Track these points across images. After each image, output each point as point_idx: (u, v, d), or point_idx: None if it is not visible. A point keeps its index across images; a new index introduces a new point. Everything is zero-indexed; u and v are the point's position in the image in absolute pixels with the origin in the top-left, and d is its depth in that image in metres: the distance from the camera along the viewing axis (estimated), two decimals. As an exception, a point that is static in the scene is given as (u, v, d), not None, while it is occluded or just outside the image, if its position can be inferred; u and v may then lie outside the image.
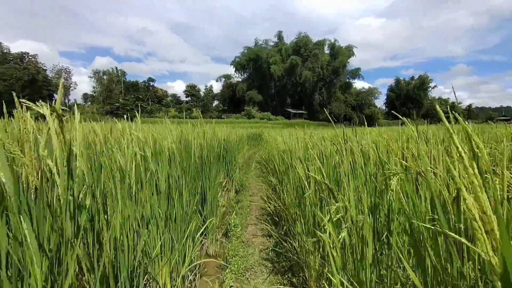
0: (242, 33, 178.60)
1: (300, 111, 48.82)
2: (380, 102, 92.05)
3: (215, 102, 67.29)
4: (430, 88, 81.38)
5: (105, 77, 64.25)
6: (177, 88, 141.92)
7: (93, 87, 62.10)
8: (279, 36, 53.87)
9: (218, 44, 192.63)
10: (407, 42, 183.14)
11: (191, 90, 72.75)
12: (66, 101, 68.46)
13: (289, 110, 47.98)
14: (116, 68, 66.81)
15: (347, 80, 55.23)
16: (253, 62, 49.89)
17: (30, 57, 57.42)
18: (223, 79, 57.66)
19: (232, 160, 4.87)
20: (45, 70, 59.64)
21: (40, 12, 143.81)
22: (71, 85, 70.27)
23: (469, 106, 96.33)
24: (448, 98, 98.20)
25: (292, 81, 47.47)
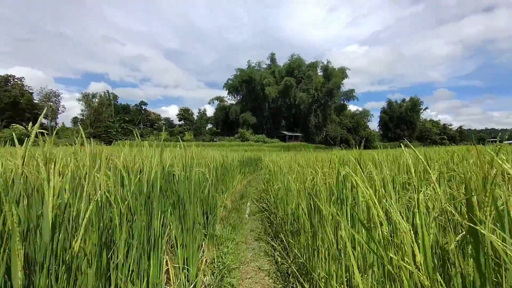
0: (234, 59, 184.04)
1: (296, 134, 47.27)
2: (372, 125, 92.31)
3: (209, 126, 65.79)
4: (422, 110, 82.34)
5: (94, 100, 62.65)
6: (172, 112, 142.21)
7: (81, 110, 60.15)
8: (272, 58, 53.93)
9: (211, 69, 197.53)
10: (390, 68, 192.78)
11: (184, 114, 71.55)
12: (53, 124, 65.97)
13: (284, 132, 46.39)
14: (108, 91, 65.50)
15: (342, 102, 54.73)
16: (246, 84, 49.11)
17: (16, 79, 55.69)
18: (215, 102, 56.51)
19: (211, 205, 2.64)
20: (32, 93, 57.75)
21: (36, 38, 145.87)
22: (59, 108, 68.26)
23: (460, 127, 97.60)
24: (439, 120, 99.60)
25: (286, 103, 46.48)
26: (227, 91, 52.81)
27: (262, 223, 3.49)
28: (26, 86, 57.04)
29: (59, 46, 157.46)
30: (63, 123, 68.06)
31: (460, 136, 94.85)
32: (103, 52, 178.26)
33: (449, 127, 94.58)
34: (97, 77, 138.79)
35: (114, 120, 36.71)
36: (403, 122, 79.64)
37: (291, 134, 46.36)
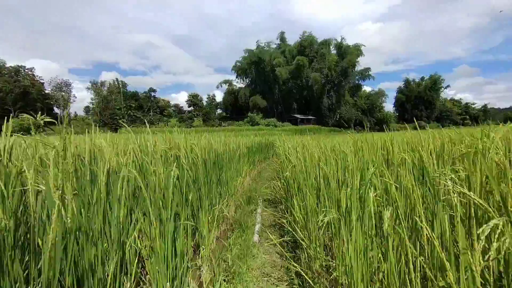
0: (244, 43, 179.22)
1: (308, 117, 45.23)
2: (387, 106, 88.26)
3: (219, 111, 64.51)
4: (443, 89, 77.28)
5: (104, 89, 62.42)
6: (181, 99, 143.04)
7: (91, 99, 60.16)
8: (282, 37, 50.85)
9: (220, 55, 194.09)
10: (407, 46, 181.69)
11: (194, 100, 70.55)
12: (65, 113, 66.77)
13: (296, 115, 44.44)
14: (117, 79, 64.97)
15: (357, 82, 51.59)
16: (255, 66, 46.81)
17: (26, 70, 55.87)
18: (224, 86, 54.77)
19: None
20: (43, 83, 57.99)
21: (50, 32, 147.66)
22: (70, 98, 68.84)
23: (484, 106, 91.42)
24: (461, 99, 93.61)
25: (298, 84, 44.08)
26: (236, 74, 50.84)
27: (282, 258, 2.23)
28: (37, 76, 57.25)
29: (72, 38, 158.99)
30: (75, 112, 68.85)
31: (484, 116, 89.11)
32: (113, 42, 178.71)
33: (472, 106, 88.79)
34: (108, 66, 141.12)
35: (121, 107, 35.99)
36: (421, 102, 75.31)
37: (303, 117, 44.40)
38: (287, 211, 2.80)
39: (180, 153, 2.16)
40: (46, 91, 59.04)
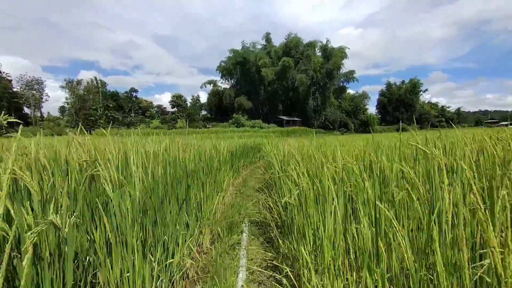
0: (228, 44, 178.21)
1: (294, 118, 44.84)
2: (369, 108, 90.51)
3: (203, 112, 62.73)
4: (421, 92, 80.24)
5: (80, 87, 58.87)
6: (165, 100, 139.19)
7: (66, 98, 56.39)
8: (267, 38, 50.21)
9: (204, 55, 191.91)
10: (385, 52, 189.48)
11: (177, 100, 68.33)
12: (37, 113, 62.40)
13: (281, 117, 43.86)
14: (95, 77, 61.50)
15: (341, 84, 51.96)
16: (240, 66, 45.81)
17: (-10, 66, 51.50)
18: (208, 86, 53.30)
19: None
20: (10, 80, 53.73)
21: (22, 27, 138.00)
22: (42, 97, 64.44)
23: (458, 109, 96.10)
24: (437, 102, 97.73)
25: (283, 85, 43.56)
26: (220, 74, 49.53)
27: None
28: (3, 73, 52.88)
29: (46, 34, 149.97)
30: (48, 112, 64.42)
31: (458, 119, 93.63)
32: (92, 39, 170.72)
33: (447, 109, 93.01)
34: (87, 65, 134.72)
35: (97, 107, 33.60)
36: (402, 105, 77.73)
37: (288, 118, 43.93)
38: (284, 246, 1.88)
39: (101, 168, 1.18)
40: (14, 89, 54.74)
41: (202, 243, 2.23)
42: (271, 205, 2.76)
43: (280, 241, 1.99)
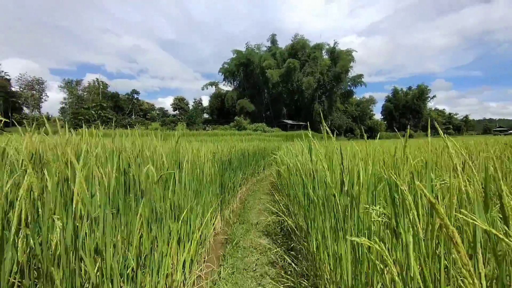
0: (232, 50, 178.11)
1: (299, 123, 42.72)
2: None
3: (205, 115, 61.08)
4: (429, 98, 78.18)
5: (78, 88, 57.58)
6: (168, 103, 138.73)
7: (64, 99, 54.96)
8: (273, 39, 48.43)
9: (208, 61, 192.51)
10: (389, 59, 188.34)
11: (179, 103, 66.94)
12: (36, 113, 61.06)
13: (285, 121, 41.74)
14: (97, 79, 60.38)
15: (348, 88, 49.88)
16: (243, 68, 43.96)
17: (-12, 65, 50.41)
18: (210, 88, 51.54)
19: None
20: (8, 80, 52.52)
21: (32, 30, 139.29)
22: (42, 97, 63.26)
23: (466, 117, 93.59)
24: (444, 109, 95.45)
25: (288, 88, 41.54)
26: (223, 76, 47.75)
27: None
28: (2, 72, 51.69)
29: (55, 37, 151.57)
30: (47, 112, 63.10)
31: (466, 126, 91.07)
32: (99, 43, 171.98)
33: (455, 116, 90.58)
34: (93, 68, 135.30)
35: (89, 106, 31.78)
36: (408, 111, 75.78)
37: (293, 123, 41.81)
38: None
39: None
40: (13, 89, 53.50)
41: None
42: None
43: None
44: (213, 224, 2.51)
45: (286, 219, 2.36)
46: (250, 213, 3.53)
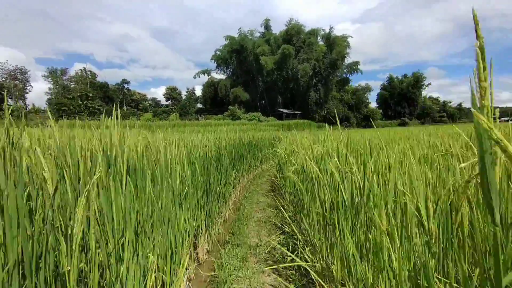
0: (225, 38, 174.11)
1: (295, 112, 41.64)
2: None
3: (198, 105, 59.43)
4: (425, 86, 77.71)
5: (64, 77, 55.00)
6: (160, 93, 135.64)
7: (49, 89, 52.36)
8: (266, 25, 46.45)
9: (201, 49, 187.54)
10: (383, 47, 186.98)
11: (172, 93, 64.94)
12: (19, 104, 58.45)
13: (281, 110, 40.63)
14: (84, 68, 57.68)
15: (344, 76, 48.69)
16: (236, 55, 42.22)
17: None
18: (202, 76, 49.74)
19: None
20: (-13, 69, 49.66)
21: (15, 17, 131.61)
22: (26, 88, 60.37)
23: (460, 105, 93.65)
24: (438, 97, 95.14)
25: (283, 76, 40.18)
26: (216, 63, 45.91)
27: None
28: (-22, 60, 48.78)
29: (40, 25, 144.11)
30: (33, 104, 60.50)
31: (460, 114, 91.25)
32: (87, 31, 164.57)
33: (449, 104, 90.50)
34: (81, 58, 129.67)
35: (74, 96, 29.99)
36: (404, 99, 75.28)
37: (289, 112, 40.72)
38: None
39: None
40: (-9, 79, 50.66)
41: None
42: None
43: None
44: (186, 268, 1.59)
45: (307, 260, 1.47)
46: (247, 226, 2.65)
